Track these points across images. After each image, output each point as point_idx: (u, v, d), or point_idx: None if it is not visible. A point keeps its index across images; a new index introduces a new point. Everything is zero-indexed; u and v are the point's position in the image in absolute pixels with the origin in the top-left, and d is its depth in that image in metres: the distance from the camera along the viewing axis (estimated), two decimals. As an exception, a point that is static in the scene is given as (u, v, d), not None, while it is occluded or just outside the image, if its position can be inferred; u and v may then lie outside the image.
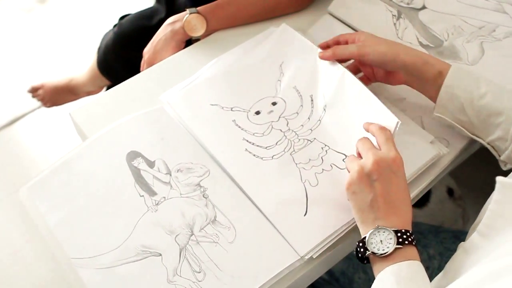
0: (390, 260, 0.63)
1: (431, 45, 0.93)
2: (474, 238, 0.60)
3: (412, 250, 0.63)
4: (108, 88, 1.56)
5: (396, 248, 0.62)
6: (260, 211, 0.77)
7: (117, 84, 1.00)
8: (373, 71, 0.85)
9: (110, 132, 0.87)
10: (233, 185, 0.80)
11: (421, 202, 1.22)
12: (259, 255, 0.73)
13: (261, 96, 0.90)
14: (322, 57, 0.85)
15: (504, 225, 0.55)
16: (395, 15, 0.98)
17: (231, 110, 0.88)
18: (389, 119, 0.74)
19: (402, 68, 0.79)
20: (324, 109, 0.85)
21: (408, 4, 0.99)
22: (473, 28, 0.94)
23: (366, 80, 0.86)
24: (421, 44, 0.94)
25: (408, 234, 0.63)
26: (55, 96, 1.71)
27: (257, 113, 0.87)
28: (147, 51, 1.06)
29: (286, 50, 0.94)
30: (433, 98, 0.79)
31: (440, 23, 0.96)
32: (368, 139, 0.72)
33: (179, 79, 0.95)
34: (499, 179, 0.56)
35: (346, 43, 0.85)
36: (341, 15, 1.01)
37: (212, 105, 0.89)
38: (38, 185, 0.81)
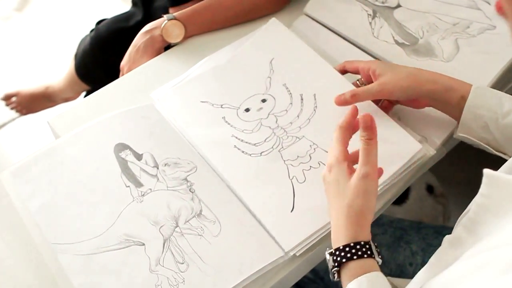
0: (349, 276, 0.63)
1: (407, 43, 0.94)
2: (459, 231, 0.61)
3: (370, 262, 0.63)
4: (87, 93, 1.55)
5: (355, 260, 0.63)
6: (246, 207, 0.78)
7: (96, 88, 0.99)
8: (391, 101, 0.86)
9: (99, 123, 0.87)
10: (220, 181, 0.81)
11: (400, 199, 1.23)
12: (243, 249, 0.74)
13: (251, 93, 0.90)
14: (338, 102, 0.82)
15: (489, 219, 0.56)
16: (370, 14, 0.99)
17: (221, 107, 0.89)
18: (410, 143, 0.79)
19: (427, 96, 0.79)
20: (315, 110, 0.86)
21: (383, 3, 1.00)
22: (448, 25, 0.95)
23: (389, 105, 0.86)
24: (396, 42, 0.94)
25: (365, 246, 0.63)
26: (32, 103, 1.70)
27: (247, 110, 0.88)
28: (125, 63, 1.06)
29: (277, 46, 0.95)
30: (457, 119, 0.79)
31: (415, 20, 0.97)
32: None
33: (157, 84, 0.95)
34: (486, 171, 0.55)
35: (357, 70, 0.85)
36: (317, 16, 1.02)
37: (202, 102, 0.90)
38: (21, 170, 0.82)
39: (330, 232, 0.74)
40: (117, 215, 0.77)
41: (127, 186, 0.80)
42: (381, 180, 0.76)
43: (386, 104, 0.85)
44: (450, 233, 0.61)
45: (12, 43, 2.22)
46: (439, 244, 0.63)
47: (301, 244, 0.74)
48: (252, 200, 0.78)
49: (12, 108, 1.74)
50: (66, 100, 1.68)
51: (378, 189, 0.70)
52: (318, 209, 0.76)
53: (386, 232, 0.94)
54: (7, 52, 2.19)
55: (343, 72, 0.88)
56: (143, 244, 0.74)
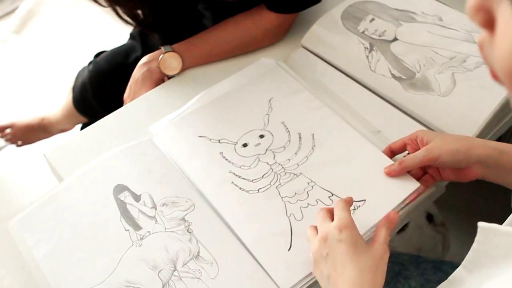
0: None
1: (404, 77, 0.94)
2: (459, 271, 0.61)
3: None
4: (83, 125, 1.55)
5: None
6: (244, 245, 0.77)
7: (94, 121, 0.99)
8: (438, 171, 0.80)
9: (98, 164, 0.87)
10: (218, 219, 0.80)
11: (400, 228, 1.23)
12: None
13: (249, 128, 0.90)
14: (389, 174, 0.80)
15: (488, 262, 0.56)
16: (367, 48, 0.99)
17: (219, 142, 0.89)
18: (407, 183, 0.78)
19: (477, 162, 0.74)
20: (313, 148, 0.86)
21: (380, 36, 1.00)
22: (444, 59, 0.95)
23: (431, 180, 0.80)
24: (393, 76, 0.95)
25: None
26: (27, 134, 1.69)
27: (244, 145, 0.88)
28: (127, 95, 1.07)
29: (275, 87, 0.96)
30: None
31: (412, 54, 0.97)
32: (323, 210, 0.72)
33: (155, 116, 0.95)
34: (480, 224, 0.56)
35: (404, 145, 0.81)
36: (314, 48, 1.02)
37: (200, 136, 0.90)
38: (26, 218, 0.82)
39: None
40: (117, 261, 0.76)
41: (126, 230, 0.79)
42: (378, 215, 0.75)
43: (428, 178, 0.80)
44: (448, 267, 0.62)
45: (9, 66, 2.23)
46: (438, 280, 0.63)
47: (299, 283, 0.73)
48: (249, 239, 0.77)
49: (6, 140, 1.73)
50: (62, 131, 1.68)
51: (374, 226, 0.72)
52: None
53: (384, 266, 0.93)
54: (3, 76, 2.19)
55: (391, 154, 0.83)
56: None
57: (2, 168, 1.90)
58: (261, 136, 0.89)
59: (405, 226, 1.25)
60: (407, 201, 0.79)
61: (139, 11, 0.97)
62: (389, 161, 0.82)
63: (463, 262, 0.59)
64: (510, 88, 0.35)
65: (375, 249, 0.65)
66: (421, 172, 0.80)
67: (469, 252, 0.59)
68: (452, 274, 0.61)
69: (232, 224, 0.79)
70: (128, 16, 0.95)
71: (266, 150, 0.87)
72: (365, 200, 0.79)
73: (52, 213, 0.82)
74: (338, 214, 0.68)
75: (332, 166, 0.84)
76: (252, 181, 0.83)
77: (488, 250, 0.56)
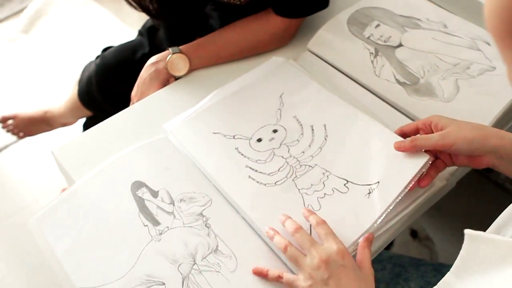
0: None
1: (408, 82, 0.96)
2: (448, 277, 0.62)
3: None
4: (87, 119, 1.56)
5: None
6: (262, 239, 0.79)
7: (98, 115, 1.00)
8: (450, 156, 0.79)
9: (116, 162, 0.89)
10: (235, 213, 0.82)
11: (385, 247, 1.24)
12: (260, 284, 0.74)
13: (262, 124, 0.92)
14: (399, 148, 0.79)
15: (476, 269, 0.57)
16: (372, 53, 1.01)
17: (233, 138, 0.90)
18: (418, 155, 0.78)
19: (492, 152, 0.73)
20: (325, 139, 0.88)
21: (385, 42, 1.02)
22: (448, 66, 0.97)
23: (442, 165, 0.80)
24: (398, 81, 0.96)
25: None
26: (29, 126, 1.71)
27: (259, 140, 0.89)
28: (134, 94, 1.08)
29: (286, 82, 0.98)
30: None
31: (416, 60, 0.98)
32: (305, 235, 0.73)
33: (161, 116, 0.97)
34: (467, 232, 0.57)
35: (417, 129, 0.81)
36: (320, 52, 1.04)
37: (215, 133, 0.91)
38: (46, 216, 0.83)
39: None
40: (137, 256, 0.78)
41: (145, 225, 0.81)
42: (393, 194, 0.77)
43: (439, 163, 0.80)
44: (448, 271, 0.62)
45: (16, 65, 2.25)
46: (437, 283, 0.64)
47: None
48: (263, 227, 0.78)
49: (8, 131, 1.74)
50: (64, 124, 1.69)
51: (390, 205, 0.75)
52: None
53: (385, 268, 0.94)
54: (11, 74, 2.21)
55: (404, 135, 0.83)
56: (163, 284, 0.75)
57: (6, 166, 1.92)
58: (275, 131, 0.90)
59: (390, 244, 1.25)
60: (419, 175, 0.79)
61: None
62: (396, 136, 0.82)
63: (452, 269, 0.60)
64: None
65: (367, 272, 0.69)
66: (433, 157, 0.79)
67: (457, 259, 0.60)
68: (442, 280, 0.62)
69: (250, 217, 0.80)
70: (135, 2, 0.96)
71: (281, 144, 0.88)
72: (379, 182, 0.80)
73: (72, 210, 0.83)
74: (332, 239, 0.71)
75: (345, 154, 0.85)
76: (268, 174, 0.85)
77: (475, 258, 0.57)
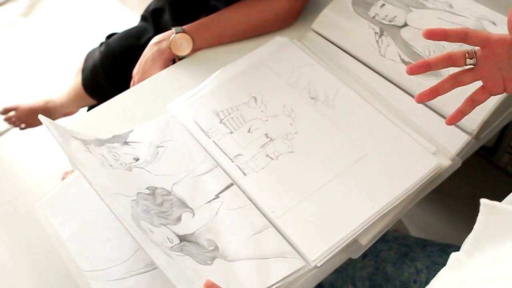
0: None
1: (413, 62, 0.95)
2: (459, 255, 0.61)
3: None
4: (90, 108, 1.54)
5: None
6: (267, 217, 0.79)
7: (103, 103, 1.00)
8: (492, 79, 0.74)
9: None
10: (244, 198, 0.81)
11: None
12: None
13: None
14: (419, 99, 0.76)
15: (488, 244, 0.56)
16: (377, 33, 1.00)
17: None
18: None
19: None
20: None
21: (390, 21, 1.01)
22: (454, 45, 0.96)
23: (482, 95, 0.76)
24: (403, 61, 0.95)
25: None
26: (31, 117, 1.69)
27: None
28: (136, 72, 1.07)
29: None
30: None
31: (421, 40, 0.97)
32: None
33: (164, 97, 0.96)
34: (483, 201, 0.56)
35: (448, 58, 0.76)
36: (325, 33, 1.03)
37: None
38: (52, 200, 0.84)
39: (346, 243, 0.75)
40: None
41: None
42: (393, 194, 0.77)
43: (480, 94, 0.75)
44: (455, 251, 0.62)
45: (16, 49, 2.24)
46: (444, 263, 0.63)
47: (324, 254, 0.74)
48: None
49: (10, 123, 1.73)
50: (66, 115, 1.68)
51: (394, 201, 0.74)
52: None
53: (391, 248, 0.94)
54: (10, 58, 2.20)
55: (425, 69, 0.77)
56: None
57: (7, 151, 1.92)
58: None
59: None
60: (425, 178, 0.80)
61: None
62: (402, 133, 0.85)
63: (463, 246, 0.60)
64: None
65: None
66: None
67: (470, 235, 0.59)
68: (452, 259, 0.61)
69: (256, 196, 0.81)
70: None
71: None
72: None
73: (77, 194, 0.84)
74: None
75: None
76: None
77: (489, 230, 0.57)
